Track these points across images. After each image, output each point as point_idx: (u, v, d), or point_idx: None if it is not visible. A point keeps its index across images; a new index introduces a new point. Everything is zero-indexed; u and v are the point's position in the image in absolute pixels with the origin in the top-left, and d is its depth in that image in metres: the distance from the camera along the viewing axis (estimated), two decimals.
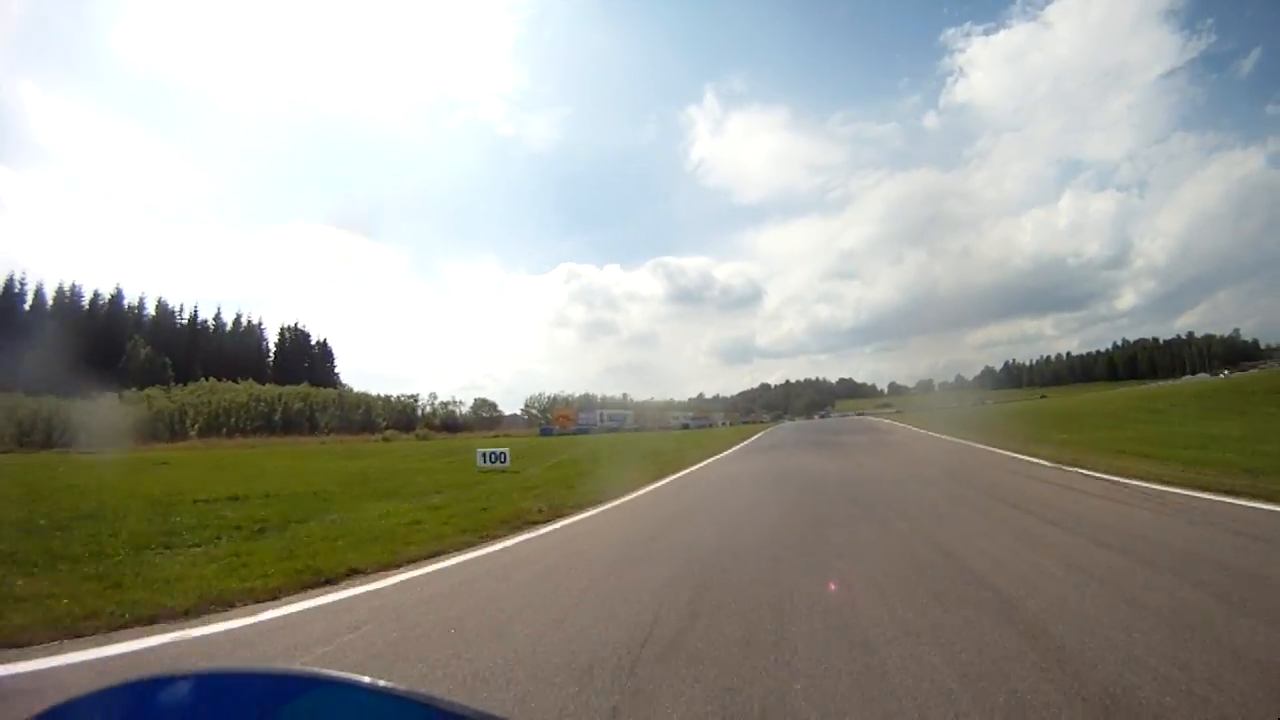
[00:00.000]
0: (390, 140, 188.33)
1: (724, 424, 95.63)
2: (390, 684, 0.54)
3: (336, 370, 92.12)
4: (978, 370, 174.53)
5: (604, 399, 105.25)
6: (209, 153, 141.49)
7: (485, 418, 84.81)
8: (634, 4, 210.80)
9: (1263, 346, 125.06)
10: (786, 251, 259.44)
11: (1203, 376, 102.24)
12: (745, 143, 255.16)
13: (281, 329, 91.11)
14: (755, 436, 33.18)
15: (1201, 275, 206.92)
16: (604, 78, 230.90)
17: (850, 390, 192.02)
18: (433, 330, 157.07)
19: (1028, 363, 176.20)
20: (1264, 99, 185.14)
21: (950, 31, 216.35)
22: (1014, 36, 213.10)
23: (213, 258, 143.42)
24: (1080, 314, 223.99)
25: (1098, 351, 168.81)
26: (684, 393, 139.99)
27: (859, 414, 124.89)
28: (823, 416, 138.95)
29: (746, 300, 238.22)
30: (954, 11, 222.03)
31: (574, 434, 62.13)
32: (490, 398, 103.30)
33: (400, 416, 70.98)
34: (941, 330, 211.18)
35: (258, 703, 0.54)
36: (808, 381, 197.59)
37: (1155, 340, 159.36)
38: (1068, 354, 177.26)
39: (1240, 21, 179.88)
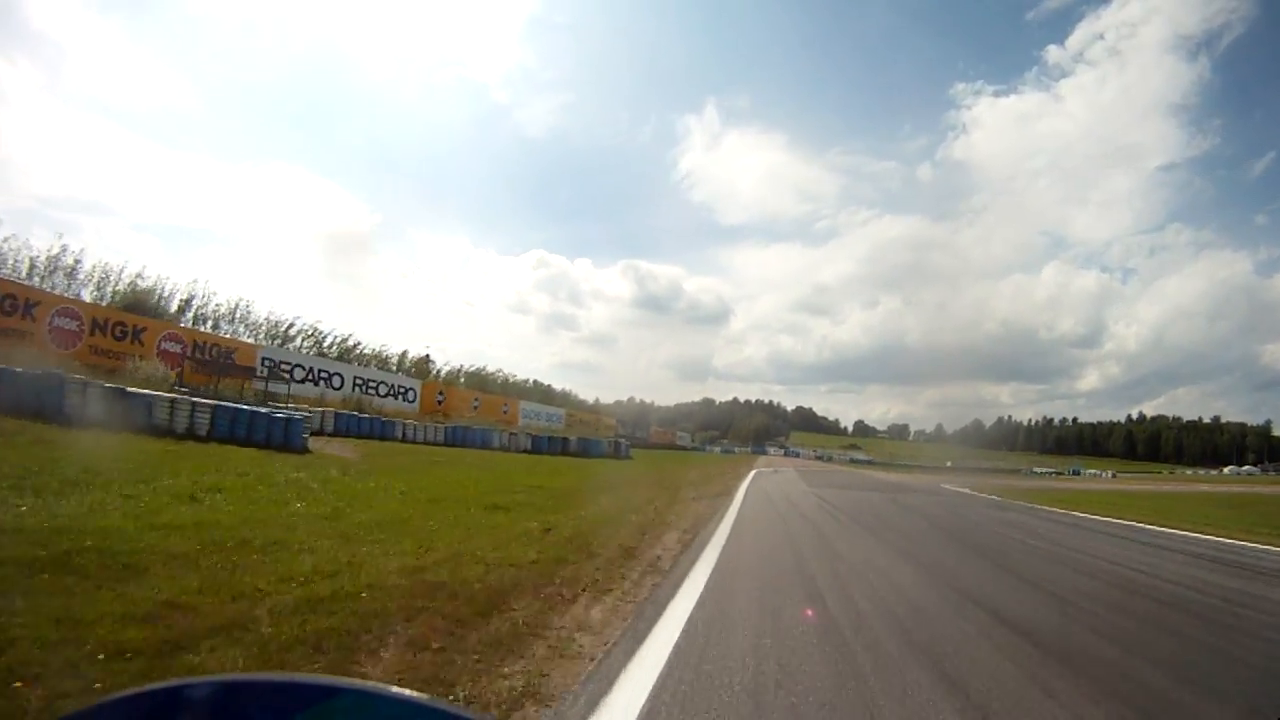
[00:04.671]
0: (377, 86, 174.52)
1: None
2: (411, 693, 0.54)
3: None
4: (936, 425, 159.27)
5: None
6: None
7: None
8: (652, 2, 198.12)
9: None
10: (761, 275, 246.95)
11: (1250, 469, 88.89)
12: (737, 160, 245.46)
13: None
14: None
15: (1167, 368, 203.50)
16: (609, 71, 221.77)
17: (808, 422, 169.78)
18: (386, 289, 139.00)
19: (1025, 422, 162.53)
20: (1264, 204, 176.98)
21: (961, 86, 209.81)
22: (1024, 102, 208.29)
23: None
24: (1041, 387, 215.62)
25: (1112, 422, 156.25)
26: (618, 397, 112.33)
27: (845, 457, 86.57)
28: (786, 453, 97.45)
29: (713, 318, 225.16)
30: (969, 68, 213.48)
31: None
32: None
33: None
34: (902, 381, 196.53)
35: (276, 709, 0.54)
36: (760, 404, 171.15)
37: (1177, 419, 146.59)
38: (1074, 419, 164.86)
39: (1249, 126, 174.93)
